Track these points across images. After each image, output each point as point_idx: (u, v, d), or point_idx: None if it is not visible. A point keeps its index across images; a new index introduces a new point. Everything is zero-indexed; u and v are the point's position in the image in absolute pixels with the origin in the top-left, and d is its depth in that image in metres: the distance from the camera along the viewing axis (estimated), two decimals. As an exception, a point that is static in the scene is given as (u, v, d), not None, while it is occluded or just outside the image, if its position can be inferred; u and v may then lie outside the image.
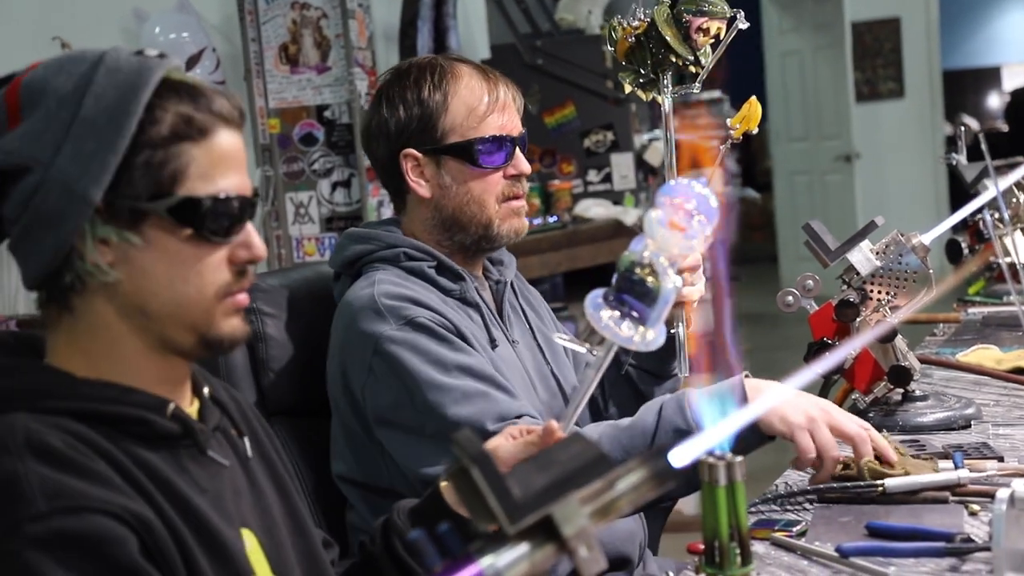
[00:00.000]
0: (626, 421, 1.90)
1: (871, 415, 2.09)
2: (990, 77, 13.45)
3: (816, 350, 2.08)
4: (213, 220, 1.24)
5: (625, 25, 2.03)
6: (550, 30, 4.72)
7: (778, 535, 1.58)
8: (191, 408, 1.33)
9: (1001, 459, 1.80)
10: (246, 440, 1.38)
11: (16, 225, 1.23)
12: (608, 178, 4.51)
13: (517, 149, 2.08)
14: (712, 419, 1.16)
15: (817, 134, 10.63)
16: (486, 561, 0.98)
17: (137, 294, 1.24)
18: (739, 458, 1.29)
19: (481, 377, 1.91)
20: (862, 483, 1.70)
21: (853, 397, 2.12)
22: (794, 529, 1.60)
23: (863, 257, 2.10)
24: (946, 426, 2.05)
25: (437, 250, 2.07)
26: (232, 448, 1.36)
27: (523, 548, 1.00)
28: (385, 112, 2.05)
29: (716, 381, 1.76)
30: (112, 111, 1.21)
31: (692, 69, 2.01)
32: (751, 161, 12.45)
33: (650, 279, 1.30)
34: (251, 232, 1.29)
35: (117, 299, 1.24)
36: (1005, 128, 11.85)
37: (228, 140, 1.27)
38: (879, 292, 2.10)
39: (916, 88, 10.32)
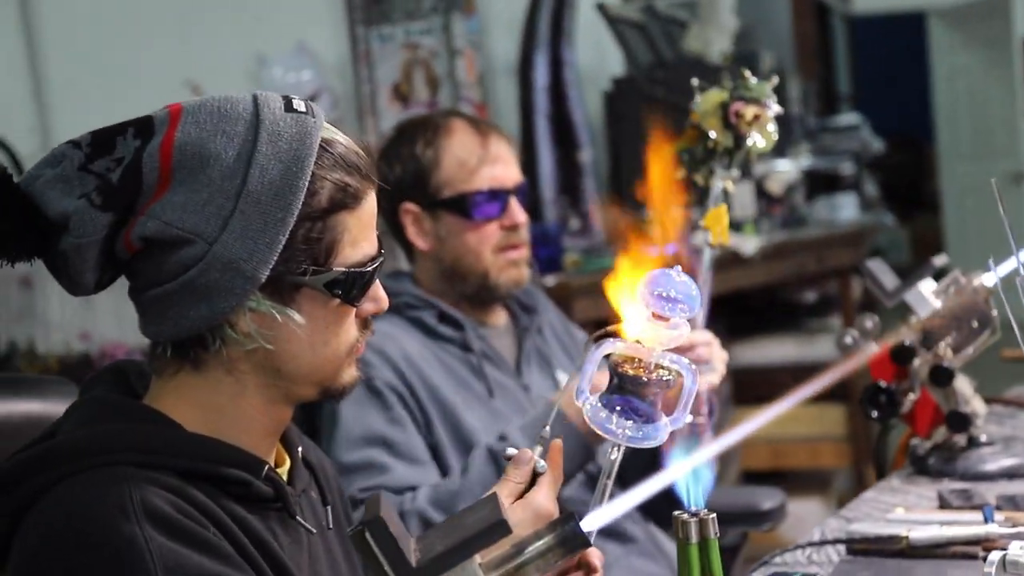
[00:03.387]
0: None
1: (931, 461, 2.03)
2: None
3: (871, 394, 2.03)
4: (360, 288, 1.26)
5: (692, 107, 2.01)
6: (673, 60, 4.70)
7: (789, 589, 1.55)
8: (283, 468, 1.34)
9: (1050, 512, 1.73)
10: (329, 509, 1.38)
11: (157, 286, 1.21)
12: (729, 206, 4.46)
13: (512, 200, 2.11)
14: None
15: (986, 152, 10.27)
16: (388, 624, 1.00)
17: (277, 358, 1.24)
18: (712, 515, 1.28)
19: (396, 452, 1.98)
20: (886, 535, 1.66)
21: (913, 442, 2.06)
22: (806, 583, 1.57)
23: (922, 298, 2.04)
24: (1010, 474, 1.97)
25: (442, 300, 2.12)
26: (313, 513, 1.35)
27: (426, 612, 1.01)
28: (384, 169, 2.11)
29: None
30: (278, 186, 1.18)
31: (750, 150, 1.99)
32: (919, 180, 12.09)
33: (643, 372, 1.27)
34: (377, 285, 1.30)
35: (253, 361, 1.24)
36: None
37: (372, 202, 1.28)
38: (939, 333, 2.03)
39: (1090, 102, 9.88)
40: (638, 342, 1.23)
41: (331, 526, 1.37)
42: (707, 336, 2.01)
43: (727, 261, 4.28)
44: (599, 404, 1.28)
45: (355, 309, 1.27)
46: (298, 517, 1.29)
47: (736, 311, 4.70)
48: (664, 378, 1.26)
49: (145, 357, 1.30)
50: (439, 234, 2.12)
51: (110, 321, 3.68)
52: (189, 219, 1.18)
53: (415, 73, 3.82)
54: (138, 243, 1.20)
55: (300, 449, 1.37)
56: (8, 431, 1.44)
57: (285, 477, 1.32)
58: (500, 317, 2.24)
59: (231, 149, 1.19)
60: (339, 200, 1.23)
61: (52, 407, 1.45)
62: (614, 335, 1.25)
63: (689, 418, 1.99)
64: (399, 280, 2.17)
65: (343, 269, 1.24)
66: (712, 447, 1.19)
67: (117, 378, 1.30)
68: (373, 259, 1.27)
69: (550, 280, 3.65)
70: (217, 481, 1.21)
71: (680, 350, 1.98)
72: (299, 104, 1.24)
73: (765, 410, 1.27)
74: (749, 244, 4.27)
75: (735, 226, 4.44)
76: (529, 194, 4.03)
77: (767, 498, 2.42)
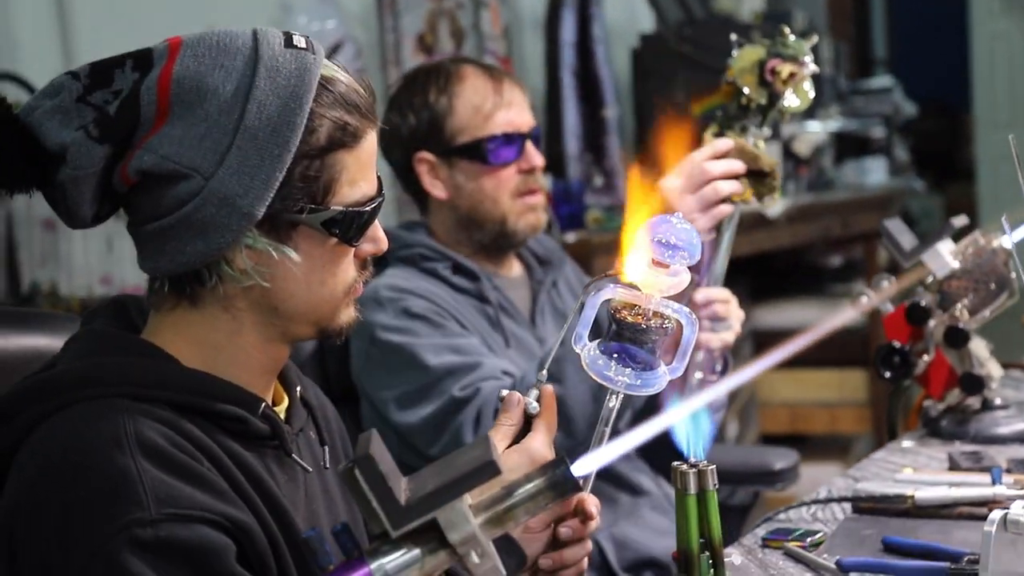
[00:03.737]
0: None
1: (943, 423, 2.01)
2: None
3: (884, 355, 2.01)
4: (358, 228, 1.25)
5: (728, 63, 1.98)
6: (704, 18, 4.65)
7: (791, 545, 1.54)
8: (280, 406, 1.34)
9: (1060, 476, 1.71)
10: (326, 449, 1.38)
11: (154, 221, 1.21)
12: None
13: (529, 143, 2.10)
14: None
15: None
16: (376, 563, 1.00)
17: (273, 296, 1.24)
18: (711, 466, 1.27)
19: (468, 353, 1.98)
20: (892, 494, 1.65)
21: (925, 404, 2.04)
22: (808, 540, 1.56)
23: (940, 258, 2.02)
24: (1022, 438, 1.95)
25: (456, 250, 2.12)
26: (311, 452, 1.35)
27: (414, 552, 1.01)
28: (396, 119, 2.10)
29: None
30: (275, 123, 1.18)
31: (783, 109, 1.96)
32: (955, 146, 11.95)
33: (641, 320, 1.26)
34: (376, 226, 1.29)
35: (250, 298, 1.24)
36: None
37: (372, 141, 1.26)
38: (956, 295, 2.01)
39: None
40: (637, 288, 1.23)
41: (328, 465, 1.37)
42: (725, 293, 2.00)
43: (751, 223, 4.24)
44: (598, 351, 1.27)
45: (353, 249, 1.27)
46: (294, 455, 1.29)
47: (760, 273, 4.67)
48: (663, 326, 1.25)
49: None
50: (455, 182, 2.11)
51: (132, 265, 3.67)
52: (186, 153, 1.18)
53: (440, 24, 3.80)
54: (135, 176, 1.20)
55: (299, 388, 1.37)
56: (18, 365, 1.45)
57: (283, 415, 1.32)
58: (515, 268, 2.23)
59: (229, 84, 1.18)
60: (338, 138, 1.22)
61: (60, 342, 1.45)
62: (614, 280, 1.24)
63: (699, 375, 1.99)
64: (413, 231, 2.16)
65: (341, 208, 1.23)
66: (704, 396, 1.18)
67: (117, 312, 1.31)
68: (372, 199, 1.26)
69: (571, 237, 3.64)
70: (212, 416, 1.21)
71: (697, 307, 1.99)
72: (299, 40, 1.22)
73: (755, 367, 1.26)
74: (774, 206, 4.24)
75: (760, 187, 4.42)
76: (553, 150, 4.03)
77: (780, 458, 2.41)
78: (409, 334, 1.99)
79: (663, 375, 1.25)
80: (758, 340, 4.52)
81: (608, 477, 2.11)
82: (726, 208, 1.88)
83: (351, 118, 1.23)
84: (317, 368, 2.13)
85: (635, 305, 1.24)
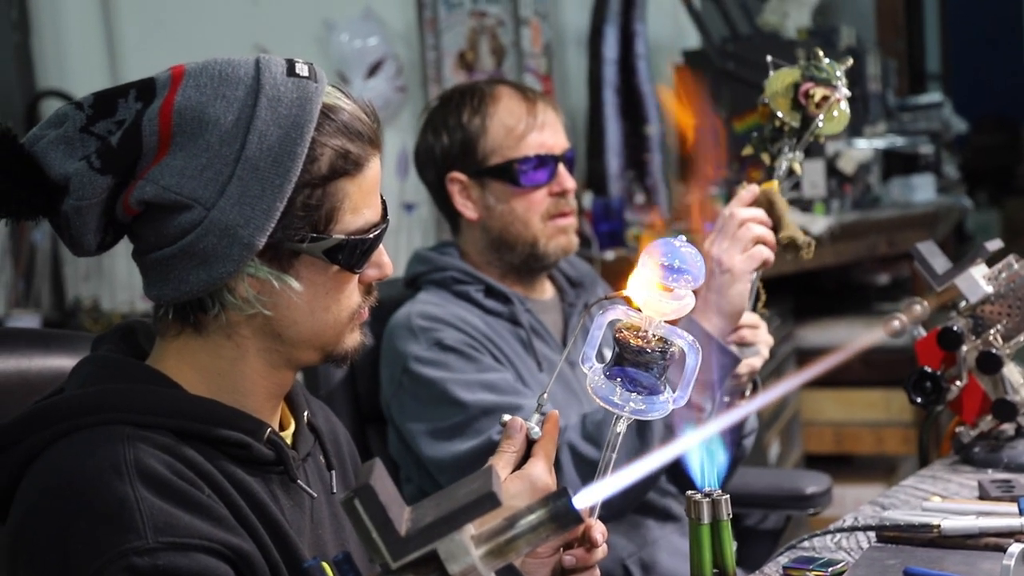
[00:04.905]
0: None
1: (976, 450, 1.98)
2: None
3: (915, 380, 1.99)
4: (361, 255, 1.26)
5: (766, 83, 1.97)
6: (749, 34, 4.63)
7: (812, 575, 1.53)
8: (287, 431, 1.34)
9: (1091, 506, 1.68)
10: (333, 474, 1.38)
11: (157, 250, 1.22)
12: (798, 185, 4.39)
13: (561, 166, 2.10)
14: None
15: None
16: (376, 593, 1.00)
17: (277, 323, 1.25)
18: (725, 496, 1.27)
19: (503, 391, 1.96)
20: (917, 523, 1.62)
21: (958, 430, 2.01)
22: (830, 569, 1.54)
23: (973, 283, 1.99)
24: (1057, 467, 1.92)
25: (488, 272, 2.12)
26: (319, 477, 1.36)
27: (414, 583, 1.01)
28: (431, 139, 2.11)
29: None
30: (277, 153, 1.18)
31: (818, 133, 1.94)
32: (1013, 161, 11.79)
33: (642, 343, 1.25)
34: (381, 251, 1.30)
35: (253, 326, 1.25)
36: None
37: (376, 168, 1.27)
38: (990, 319, 1.98)
39: None
40: (641, 311, 1.22)
41: (336, 490, 1.37)
42: (753, 318, 1.99)
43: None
44: (603, 375, 1.26)
45: (357, 276, 1.27)
46: (299, 481, 1.29)
47: (805, 291, 4.63)
48: (665, 350, 1.24)
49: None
50: (487, 203, 2.11)
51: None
52: (187, 184, 1.19)
53: (480, 42, 3.81)
54: (137, 207, 1.21)
55: (306, 413, 1.37)
56: (40, 385, 1.46)
57: (289, 440, 1.33)
58: (547, 291, 2.23)
59: (230, 114, 1.19)
60: (339, 167, 1.22)
61: (81, 364, 1.46)
62: (621, 301, 1.24)
63: (726, 399, 1.97)
64: (445, 253, 2.16)
65: (343, 236, 1.23)
66: (716, 425, 1.17)
67: (125, 337, 1.32)
68: (376, 226, 1.26)
69: (610, 255, 3.63)
70: (215, 442, 1.22)
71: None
72: (302, 69, 1.23)
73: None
74: (818, 224, 4.21)
75: (804, 205, 4.39)
76: (594, 167, 4.03)
77: (811, 482, 2.38)
78: (443, 368, 1.99)
79: (667, 401, 1.24)
80: (803, 359, 4.48)
81: (635, 502, 2.09)
82: (765, 251, 1.84)
83: (353, 146, 1.23)
84: (348, 392, 2.14)
85: (638, 328, 1.24)
